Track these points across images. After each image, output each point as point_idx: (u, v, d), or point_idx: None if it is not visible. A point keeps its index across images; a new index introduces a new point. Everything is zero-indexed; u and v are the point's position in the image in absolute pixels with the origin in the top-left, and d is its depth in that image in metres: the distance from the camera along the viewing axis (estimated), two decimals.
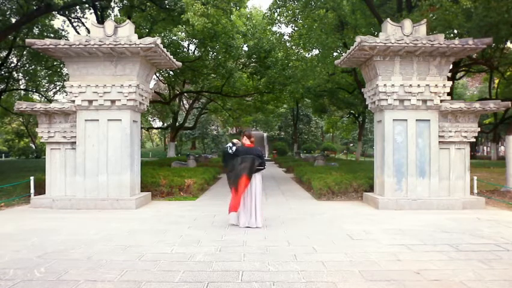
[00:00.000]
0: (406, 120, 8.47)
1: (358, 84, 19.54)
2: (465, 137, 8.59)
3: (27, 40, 8.24)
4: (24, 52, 20.09)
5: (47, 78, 24.27)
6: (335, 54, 18.41)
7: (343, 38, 17.22)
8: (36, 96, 28.12)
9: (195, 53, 23.15)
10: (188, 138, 44.35)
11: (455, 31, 13.62)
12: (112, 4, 17.28)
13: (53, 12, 16.43)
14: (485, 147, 44.90)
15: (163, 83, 27.86)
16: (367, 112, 27.82)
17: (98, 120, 8.46)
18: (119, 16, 18.05)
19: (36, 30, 17.53)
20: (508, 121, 22.03)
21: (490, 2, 11.07)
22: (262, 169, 6.33)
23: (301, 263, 4.36)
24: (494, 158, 31.05)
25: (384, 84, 8.34)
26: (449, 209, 8.12)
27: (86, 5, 16.32)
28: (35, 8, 14.10)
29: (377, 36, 8.12)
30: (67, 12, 17.14)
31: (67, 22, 18.36)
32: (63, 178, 8.69)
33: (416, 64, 8.39)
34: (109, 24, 8.29)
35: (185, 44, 23.66)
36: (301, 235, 5.73)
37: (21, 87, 25.34)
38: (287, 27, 23.81)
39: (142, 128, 27.69)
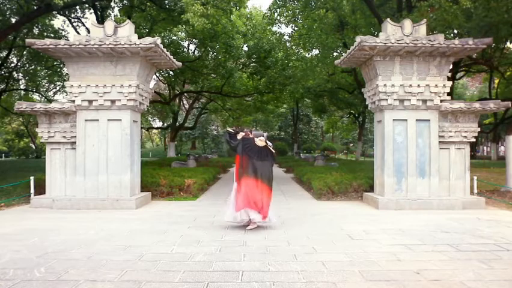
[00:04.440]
0: (406, 120, 8.47)
1: (358, 84, 19.54)
2: (465, 137, 8.59)
3: (27, 40, 8.24)
4: (24, 52, 20.07)
5: (47, 78, 24.24)
6: (335, 54, 18.42)
7: (343, 38, 17.22)
8: (36, 96, 28.08)
9: (195, 53, 23.15)
10: (188, 138, 44.32)
11: (455, 31, 13.63)
12: (112, 4, 17.28)
13: (53, 12, 16.40)
14: (485, 147, 44.89)
15: (163, 83, 27.84)
16: (367, 112, 27.82)
17: (98, 120, 8.46)
18: (119, 16, 18.05)
19: (36, 30, 17.51)
20: (508, 121, 22.01)
21: (490, 2, 11.06)
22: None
23: (301, 263, 4.36)
24: (494, 158, 31.04)
25: (384, 84, 8.34)
26: (449, 209, 8.12)
27: (86, 5, 16.31)
28: (35, 8, 14.09)
29: (377, 36, 8.12)
30: (67, 12, 17.13)
31: (67, 22, 18.35)
32: (63, 178, 8.70)
33: (416, 64, 8.40)
34: (109, 24, 8.29)
35: (186, 44, 23.66)
36: (301, 235, 5.73)
37: (21, 87, 25.31)
38: (287, 27, 23.75)
39: (142, 128, 27.67)
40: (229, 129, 6.49)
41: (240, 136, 6.27)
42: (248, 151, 6.09)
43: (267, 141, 6.22)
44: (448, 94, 8.61)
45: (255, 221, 6.03)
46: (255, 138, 6.17)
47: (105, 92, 8.36)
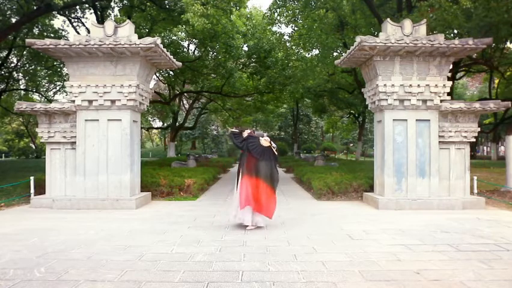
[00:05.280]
0: (406, 120, 8.47)
1: (358, 84, 19.54)
2: (465, 137, 8.59)
3: (27, 40, 8.24)
4: (24, 52, 20.06)
5: (47, 78, 24.21)
6: (335, 54, 18.40)
7: (343, 38, 17.22)
8: (36, 96, 28.07)
9: (195, 53, 23.13)
10: (188, 138, 44.27)
11: (455, 31, 13.62)
12: (112, 4, 17.27)
13: (53, 12, 16.40)
14: (485, 147, 44.88)
15: (163, 83, 27.82)
16: (367, 112, 27.82)
17: (98, 120, 8.46)
18: (119, 16, 18.05)
19: (36, 30, 17.50)
20: (508, 121, 22.01)
21: (490, 2, 11.06)
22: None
23: (301, 263, 4.36)
24: (494, 158, 31.04)
25: (384, 84, 8.34)
26: (449, 209, 8.12)
27: (86, 5, 16.30)
28: (35, 8, 14.09)
29: (377, 36, 8.12)
30: (67, 12, 17.12)
31: (67, 22, 18.34)
32: (63, 178, 8.70)
33: (416, 64, 8.40)
34: (109, 24, 8.29)
35: (185, 44, 23.65)
36: (301, 235, 5.73)
37: (21, 87, 25.29)
38: (287, 27, 23.74)
39: (142, 128, 27.66)
40: (233, 129, 6.46)
41: (245, 134, 6.25)
42: (252, 150, 6.08)
43: (271, 142, 6.22)
44: (448, 94, 8.61)
45: (248, 224, 6.02)
46: (260, 138, 6.17)
47: (105, 92, 8.36)
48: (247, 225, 6.08)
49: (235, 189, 6.25)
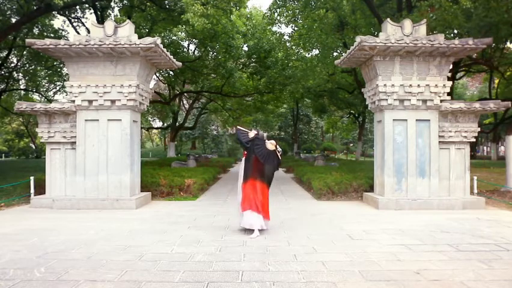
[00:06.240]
0: (406, 120, 8.47)
1: (358, 84, 19.54)
2: (465, 137, 8.59)
3: (27, 40, 8.24)
4: (24, 52, 20.06)
5: (47, 78, 24.23)
6: (335, 54, 18.41)
7: (343, 38, 17.22)
8: (36, 96, 28.07)
9: (195, 53, 23.14)
10: (188, 138, 44.25)
11: (455, 31, 13.63)
12: (112, 4, 17.28)
13: (53, 12, 16.41)
14: (485, 147, 44.88)
15: (163, 83, 27.82)
16: (367, 112, 27.81)
17: (98, 120, 8.46)
18: (119, 16, 18.05)
19: (36, 30, 17.51)
20: (508, 121, 22.00)
21: (490, 2, 11.06)
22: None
23: (301, 263, 4.36)
24: (494, 158, 31.03)
25: (384, 84, 8.34)
26: (449, 209, 8.12)
27: (86, 5, 16.31)
28: (35, 8, 14.09)
29: (377, 36, 8.12)
30: (67, 12, 17.13)
31: (67, 22, 18.34)
32: (63, 178, 8.70)
33: (416, 64, 8.39)
34: (109, 24, 8.29)
35: (186, 44, 23.66)
36: (301, 235, 5.73)
37: (21, 87, 25.31)
38: (287, 27, 23.77)
39: (142, 128, 27.65)
40: (240, 127, 6.41)
41: (251, 134, 6.20)
42: (257, 153, 6.01)
43: (277, 146, 6.20)
44: (448, 94, 8.61)
45: (258, 228, 5.83)
46: (266, 141, 6.14)
47: (105, 92, 8.36)
48: (253, 233, 5.79)
49: (238, 192, 6.17)
